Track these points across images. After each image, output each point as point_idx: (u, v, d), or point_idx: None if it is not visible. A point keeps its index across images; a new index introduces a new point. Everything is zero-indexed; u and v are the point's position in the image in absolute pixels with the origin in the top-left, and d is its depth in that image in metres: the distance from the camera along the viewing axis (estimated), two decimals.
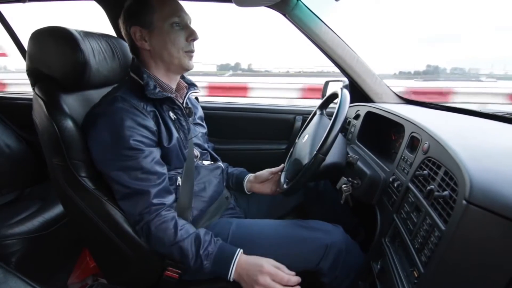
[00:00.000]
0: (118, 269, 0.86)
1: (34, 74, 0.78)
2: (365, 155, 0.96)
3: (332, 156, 0.78)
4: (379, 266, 0.71)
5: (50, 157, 0.75)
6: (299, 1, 1.15)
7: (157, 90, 0.76)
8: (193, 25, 0.82)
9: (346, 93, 0.78)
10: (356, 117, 1.15)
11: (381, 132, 1.05)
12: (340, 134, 0.75)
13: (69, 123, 0.72)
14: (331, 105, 1.03)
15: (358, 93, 1.25)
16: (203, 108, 1.09)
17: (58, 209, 1.17)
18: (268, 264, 0.73)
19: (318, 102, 1.06)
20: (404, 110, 0.93)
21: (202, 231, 0.77)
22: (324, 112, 1.02)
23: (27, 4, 1.28)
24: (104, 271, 0.92)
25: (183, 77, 0.93)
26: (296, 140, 1.04)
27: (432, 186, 0.57)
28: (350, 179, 0.84)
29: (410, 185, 0.67)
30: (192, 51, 0.81)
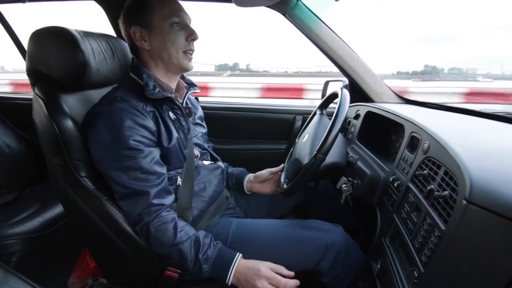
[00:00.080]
0: (118, 269, 0.86)
1: (34, 74, 0.78)
2: (365, 155, 0.96)
3: (332, 156, 0.77)
4: (379, 266, 0.71)
5: (50, 157, 0.75)
6: (299, 1, 1.15)
7: (157, 90, 0.76)
8: (192, 25, 0.82)
9: (346, 93, 0.78)
10: (356, 117, 1.15)
11: (381, 132, 1.05)
12: (340, 134, 0.75)
13: (69, 123, 0.73)
14: (331, 105, 1.03)
15: (358, 93, 1.25)
16: (203, 108, 1.09)
17: (58, 209, 1.17)
18: (266, 267, 0.73)
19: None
20: (404, 110, 0.93)
21: (202, 234, 0.77)
22: (324, 112, 1.02)
23: (27, 4, 1.29)
24: (104, 271, 0.92)
25: (183, 77, 0.93)
26: (296, 140, 1.04)
27: (432, 186, 0.57)
28: (350, 179, 0.84)
29: (410, 185, 0.67)
30: (192, 51, 0.81)
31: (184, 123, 0.84)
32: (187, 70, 0.82)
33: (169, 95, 0.79)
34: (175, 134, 0.80)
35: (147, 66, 0.81)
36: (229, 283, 0.73)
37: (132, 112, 0.72)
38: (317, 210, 1.07)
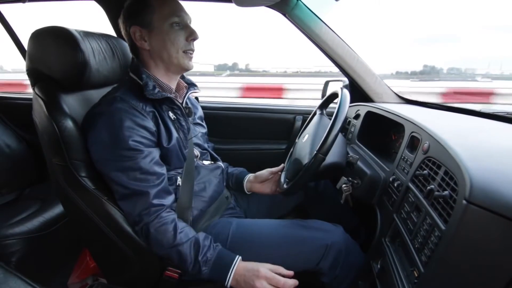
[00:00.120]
0: (118, 269, 0.86)
1: (34, 74, 0.78)
2: (365, 155, 0.96)
3: (332, 156, 0.77)
4: (379, 266, 0.71)
5: (50, 157, 0.75)
6: (299, 1, 1.15)
7: (156, 90, 0.76)
8: (192, 25, 0.82)
9: (346, 93, 0.78)
10: (356, 117, 1.15)
11: (381, 132, 1.05)
12: (340, 134, 0.75)
13: (69, 123, 0.72)
14: (331, 105, 1.03)
15: (358, 93, 1.25)
16: (203, 108, 1.09)
17: (58, 209, 1.17)
18: (264, 268, 0.73)
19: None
20: (404, 110, 0.93)
21: (201, 235, 0.77)
22: (324, 112, 1.02)
23: (27, 4, 1.29)
24: (104, 271, 0.92)
25: (183, 77, 0.93)
26: (296, 140, 1.04)
27: (432, 186, 0.57)
28: (350, 179, 0.84)
29: (410, 185, 0.67)
30: (192, 50, 0.81)
31: (184, 123, 0.84)
32: (187, 69, 0.82)
33: (168, 95, 0.79)
34: (175, 134, 0.80)
35: (147, 66, 0.81)
36: (228, 286, 0.74)
37: (131, 112, 0.72)
38: (317, 210, 1.07)
